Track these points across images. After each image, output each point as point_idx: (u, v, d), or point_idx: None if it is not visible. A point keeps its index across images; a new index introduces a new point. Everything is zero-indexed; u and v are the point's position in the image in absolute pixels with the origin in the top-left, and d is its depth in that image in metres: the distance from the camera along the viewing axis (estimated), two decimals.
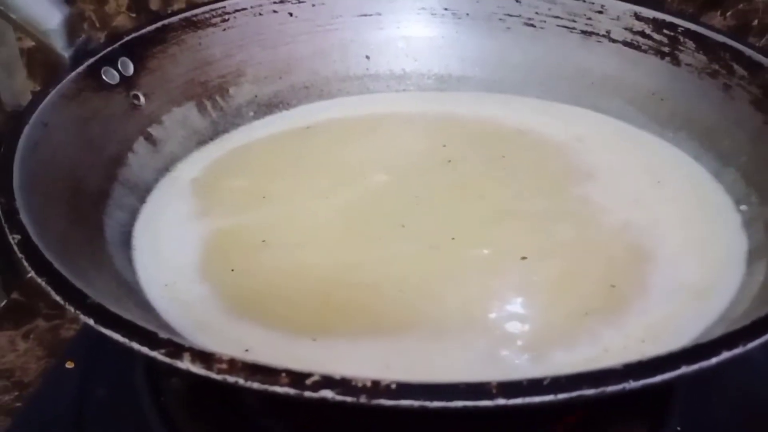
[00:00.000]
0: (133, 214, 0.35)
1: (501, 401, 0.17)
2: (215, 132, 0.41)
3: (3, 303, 0.46)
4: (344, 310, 0.29)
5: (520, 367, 0.26)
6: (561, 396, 0.17)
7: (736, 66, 0.38)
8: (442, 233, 0.33)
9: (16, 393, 0.38)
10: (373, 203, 0.36)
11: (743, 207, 0.35)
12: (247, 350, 0.26)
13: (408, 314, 0.29)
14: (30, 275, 0.46)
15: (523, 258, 0.32)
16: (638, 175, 0.38)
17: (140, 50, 0.39)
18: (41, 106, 0.33)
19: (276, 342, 0.27)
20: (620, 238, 0.33)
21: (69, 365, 0.35)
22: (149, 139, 0.38)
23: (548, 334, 0.28)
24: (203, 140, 0.41)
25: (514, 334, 0.28)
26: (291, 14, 0.44)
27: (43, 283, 0.22)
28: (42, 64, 0.56)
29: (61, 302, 0.22)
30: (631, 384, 0.18)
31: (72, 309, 0.21)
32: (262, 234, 0.34)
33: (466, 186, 0.37)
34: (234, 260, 0.32)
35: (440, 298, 0.30)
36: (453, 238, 0.33)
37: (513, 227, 0.34)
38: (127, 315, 0.22)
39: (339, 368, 0.19)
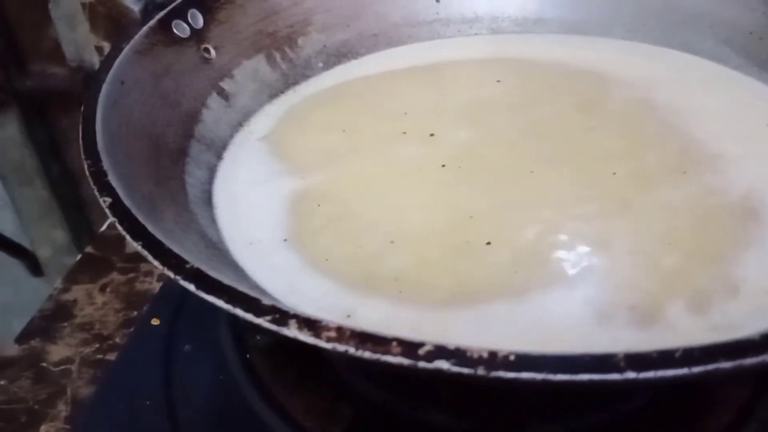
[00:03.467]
0: (212, 172, 0.34)
1: (630, 375, 0.16)
2: (286, 84, 0.40)
3: (78, 257, 0.47)
4: (445, 271, 0.28)
5: (625, 336, 0.25)
6: (695, 370, 0.16)
7: None
8: (532, 186, 0.32)
9: (97, 345, 0.39)
10: (457, 155, 0.34)
11: None
12: (349, 316, 0.25)
13: (512, 273, 0.28)
14: (103, 230, 0.48)
15: (630, 211, 0.30)
16: (738, 123, 0.35)
17: (209, 2, 0.38)
18: (117, 63, 0.32)
19: (375, 306, 0.26)
20: (723, 196, 0.31)
21: (155, 322, 0.35)
22: (221, 93, 0.38)
23: (661, 295, 0.26)
24: (275, 93, 0.40)
25: (615, 298, 0.27)
26: None
27: (140, 248, 0.22)
28: (104, 17, 0.56)
29: (160, 268, 0.21)
30: None
31: (171, 275, 0.21)
32: (343, 190, 0.33)
33: (552, 136, 0.35)
34: (316, 218, 0.31)
35: (543, 255, 0.28)
36: (525, 191, 0.31)
37: (604, 186, 0.32)
38: (223, 278, 0.21)
39: (450, 337, 0.18)
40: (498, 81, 0.40)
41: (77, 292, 0.44)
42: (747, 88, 0.37)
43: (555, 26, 0.43)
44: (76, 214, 0.77)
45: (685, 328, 0.25)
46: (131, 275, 0.45)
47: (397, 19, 0.43)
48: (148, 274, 0.44)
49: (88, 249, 0.47)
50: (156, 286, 0.43)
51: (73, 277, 0.45)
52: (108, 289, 0.44)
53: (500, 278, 0.27)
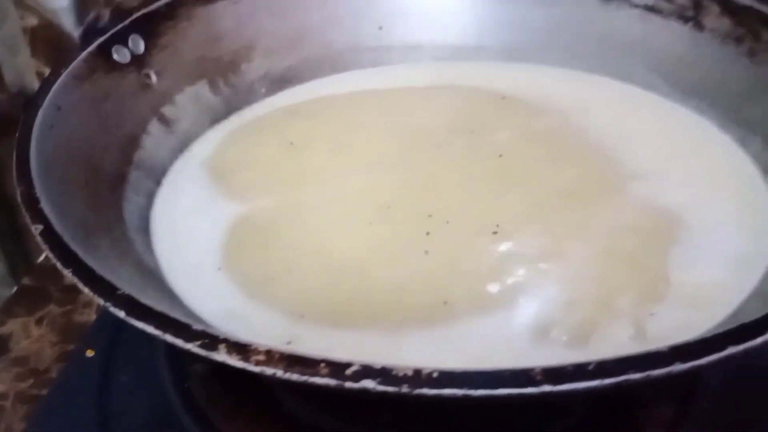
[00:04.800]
0: (150, 198, 0.34)
1: (547, 388, 0.17)
2: (228, 109, 0.41)
3: (14, 289, 0.46)
4: (376, 298, 0.28)
5: (560, 353, 0.26)
6: (607, 381, 0.17)
7: (762, 31, 0.37)
8: (457, 211, 0.33)
9: (32, 380, 0.38)
10: (393, 183, 0.35)
11: None
12: (289, 342, 0.26)
13: (441, 298, 0.28)
14: (41, 260, 0.47)
15: (551, 235, 0.31)
16: (664, 146, 0.37)
17: (150, 27, 0.38)
18: (54, 89, 0.32)
19: (315, 332, 0.27)
20: (650, 209, 0.32)
21: (89, 353, 0.35)
22: (162, 119, 0.38)
23: (586, 315, 0.27)
24: (216, 118, 0.40)
25: (551, 317, 0.28)
26: None
27: (70, 275, 0.22)
28: (46, 42, 0.55)
29: (90, 294, 0.21)
30: (678, 367, 0.18)
31: (102, 301, 0.21)
32: (280, 217, 0.33)
33: (485, 160, 0.36)
34: (254, 244, 0.32)
35: (465, 281, 0.29)
36: (463, 213, 0.32)
37: (534, 209, 0.33)
38: (155, 305, 0.21)
39: (378, 358, 0.18)
40: (437, 107, 0.41)
41: (13, 325, 0.42)
42: (671, 112, 0.39)
43: (494, 54, 0.44)
44: (13, 244, 0.74)
45: (619, 344, 0.26)
46: (69, 307, 0.43)
47: (341, 46, 0.44)
48: (87, 305, 0.43)
49: (25, 280, 0.46)
50: (94, 319, 0.42)
51: (8, 310, 0.43)
52: (45, 322, 0.43)
53: (436, 304, 0.28)
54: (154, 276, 0.29)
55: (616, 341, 0.26)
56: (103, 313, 0.39)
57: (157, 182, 0.35)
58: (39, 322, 0.43)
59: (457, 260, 0.30)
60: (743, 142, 0.36)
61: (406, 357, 0.26)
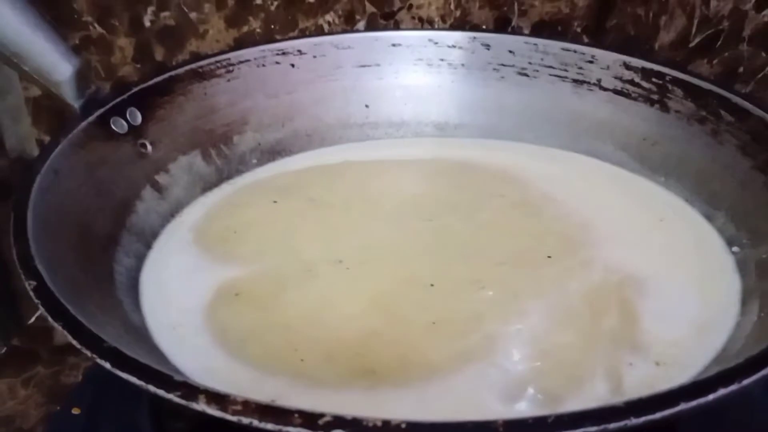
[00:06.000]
0: (140, 260, 0.36)
1: None
2: (219, 178, 0.42)
3: (3, 350, 0.46)
4: (356, 359, 0.29)
5: (530, 408, 0.26)
6: None
7: (723, 112, 0.40)
8: (437, 274, 0.34)
9: None
10: (377, 251, 0.36)
11: (735, 249, 0.36)
12: (273, 401, 0.26)
13: (417, 356, 0.29)
14: (31, 322, 0.48)
15: (526, 295, 0.32)
16: (632, 217, 0.39)
17: (148, 100, 0.40)
18: (53, 155, 0.34)
19: (297, 392, 0.27)
20: (617, 273, 0.34)
21: (75, 411, 0.35)
22: (155, 186, 0.39)
23: (554, 375, 0.28)
24: (207, 186, 0.42)
25: (522, 377, 0.29)
26: (293, 65, 0.45)
27: (60, 328, 0.23)
28: (48, 111, 0.57)
29: (78, 346, 0.22)
30: (633, 421, 0.19)
31: (88, 353, 0.22)
32: (264, 281, 0.34)
33: (462, 228, 0.38)
34: (238, 308, 0.33)
35: (442, 340, 0.30)
36: (442, 276, 0.34)
37: (509, 274, 0.34)
38: (139, 358, 0.22)
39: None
40: (418, 179, 0.43)
41: (0, 385, 0.43)
42: (639, 187, 0.41)
43: (473, 131, 0.46)
44: (5, 307, 0.75)
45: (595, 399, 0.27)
46: (56, 368, 0.44)
47: (330, 121, 0.47)
48: (74, 367, 0.44)
49: (15, 341, 0.46)
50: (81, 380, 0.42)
51: None
52: (32, 383, 0.43)
53: (412, 362, 0.29)
54: (140, 333, 0.30)
55: (592, 397, 0.27)
56: (90, 373, 0.39)
57: (147, 245, 0.37)
58: (26, 383, 0.43)
59: (435, 320, 0.31)
60: (708, 216, 0.38)
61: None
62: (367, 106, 0.47)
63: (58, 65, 0.37)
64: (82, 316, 0.24)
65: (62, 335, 0.46)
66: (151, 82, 0.40)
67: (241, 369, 0.29)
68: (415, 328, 0.31)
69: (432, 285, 0.34)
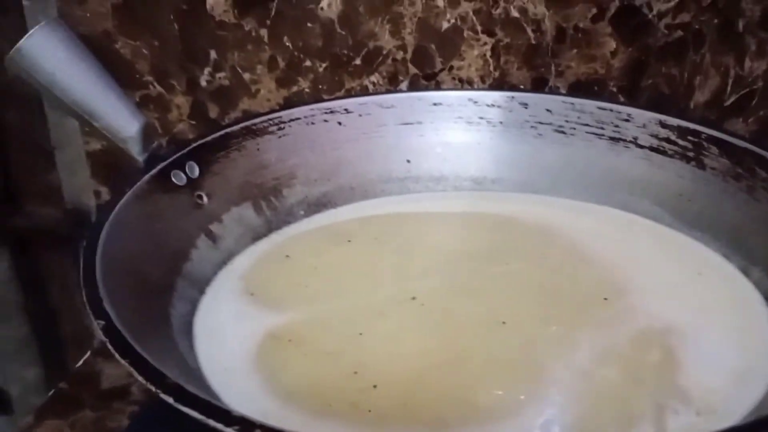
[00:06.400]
0: (194, 305, 0.37)
1: None
2: (269, 229, 0.44)
3: (50, 393, 0.48)
4: (410, 411, 0.30)
5: None
6: None
7: (758, 169, 0.40)
8: (472, 337, 0.35)
9: None
10: (422, 302, 0.38)
11: None
12: None
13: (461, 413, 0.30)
14: (78, 366, 0.50)
15: (566, 364, 0.33)
16: (670, 271, 0.39)
17: (205, 155, 0.42)
18: (119, 206, 0.36)
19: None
20: (657, 323, 0.35)
21: None
22: (210, 235, 0.41)
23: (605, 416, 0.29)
24: (257, 236, 0.44)
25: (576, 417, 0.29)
26: (340, 123, 0.48)
27: (127, 365, 0.25)
28: (106, 165, 0.61)
29: (143, 382, 0.24)
30: None
31: (153, 388, 0.24)
32: (313, 330, 0.36)
33: (503, 288, 0.39)
34: (287, 354, 0.34)
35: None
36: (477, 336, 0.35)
37: (553, 332, 0.35)
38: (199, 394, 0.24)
39: None
40: (460, 232, 0.45)
41: (46, 428, 0.44)
42: (676, 242, 0.42)
43: (510, 185, 0.48)
44: (53, 352, 0.77)
45: None
46: (102, 413, 0.45)
47: (372, 176, 0.49)
48: (119, 411, 0.45)
49: (62, 385, 0.48)
50: (126, 425, 0.44)
51: (43, 414, 0.45)
52: (77, 427, 0.44)
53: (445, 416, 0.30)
54: (195, 375, 0.31)
55: None
56: (135, 418, 0.41)
57: (201, 291, 0.39)
58: (72, 426, 0.44)
59: (471, 375, 0.32)
60: (745, 270, 0.39)
61: None
62: (408, 161, 0.49)
63: (126, 123, 0.40)
64: (145, 354, 0.26)
65: (108, 380, 0.48)
66: (208, 138, 0.43)
67: (295, 415, 0.30)
68: (449, 380, 0.32)
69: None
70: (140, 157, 0.40)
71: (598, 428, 0.29)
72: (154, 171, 0.39)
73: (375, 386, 0.31)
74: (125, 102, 0.40)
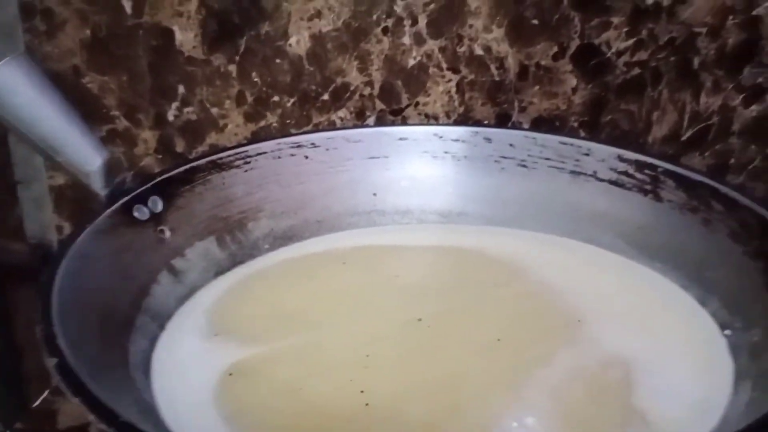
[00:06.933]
0: (153, 341, 0.37)
1: None
2: (233, 262, 0.44)
3: None
4: None
5: None
6: None
7: (713, 202, 0.41)
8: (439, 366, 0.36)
9: None
10: (386, 334, 0.38)
11: (727, 332, 0.37)
12: None
13: None
14: (35, 405, 0.48)
15: (521, 395, 0.33)
16: (630, 303, 0.40)
17: (169, 189, 0.42)
18: (78, 240, 0.36)
19: None
20: (614, 354, 0.35)
21: None
22: (172, 270, 0.41)
23: None
24: (221, 270, 0.44)
25: None
26: (306, 157, 0.48)
27: (79, 403, 0.24)
28: (70, 200, 0.60)
29: (96, 420, 0.23)
30: None
31: (105, 426, 0.23)
32: (275, 365, 0.35)
33: (464, 314, 0.39)
34: (247, 390, 0.34)
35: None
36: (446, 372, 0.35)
37: (509, 362, 0.35)
38: None
39: None
40: (424, 264, 0.45)
41: None
42: (636, 274, 0.43)
43: (475, 218, 0.48)
44: (11, 390, 0.75)
45: None
46: None
47: (339, 209, 0.49)
48: None
49: (18, 425, 0.47)
50: None
51: None
52: None
53: None
54: (151, 412, 0.31)
55: None
56: None
57: (161, 326, 0.38)
58: None
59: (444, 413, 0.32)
60: (703, 301, 0.40)
61: None
62: (374, 194, 0.49)
63: (88, 157, 0.40)
64: (98, 392, 0.26)
65: (66, 419, 0.47)
66: (173, 172, 0.43)
67: None
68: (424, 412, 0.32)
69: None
70: (102, 192, 0.40)
71: None
72: (115, 205, 0.39)
73: (335, 424, 0.31)
74: (88, 137, 0.40)
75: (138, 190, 0.40)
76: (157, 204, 0.41)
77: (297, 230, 0.47)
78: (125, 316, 0.36)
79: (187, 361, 0.36)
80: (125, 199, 0.40)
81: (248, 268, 0.44)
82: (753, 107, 0.56)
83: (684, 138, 0.57)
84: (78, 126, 0.40)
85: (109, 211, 0.39)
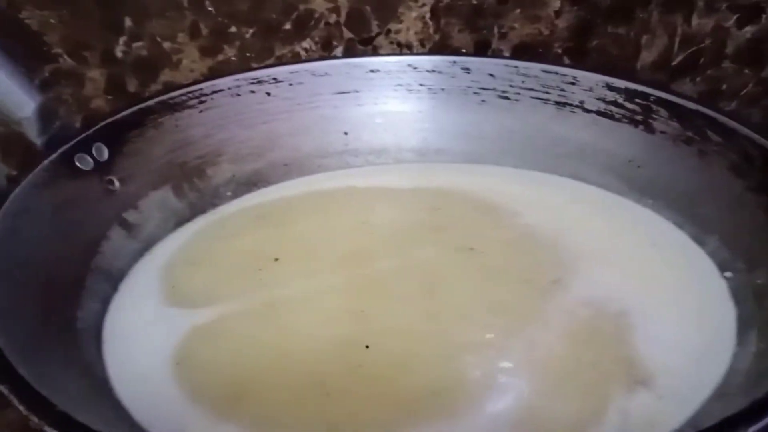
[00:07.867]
0: (105, 304, 0.34)
1: None
2: (193, 213, 0.41)
3: None
4: (330, 412, 0.28)
5: None
6: None
7: (710, 132, 0.38)
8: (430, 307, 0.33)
9: None
10: (357, 284, 0.35)
11: (728, 274, 0.34)
12: None
13: (398, 399, 0.28)
14: None
15: (508, 345, 0.31)
16: (621, 242, 0.37)
17: (115, 135, 0.38)
18: (12, 196, 0.32)
19: None
20: (608, 309, 0.33)
21: None
22: (124, 224, 0.38)
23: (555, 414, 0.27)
24: (180, 221, 0.40)
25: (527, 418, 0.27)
26: (269, 93, 0.44)
27: (5, 391, 0.21)
28: (17, 147, 0.56)
29: (25, 412, 0.20)
30: None
31: (36, 419, 0.20)
32: (241, 325, 0.32)
33: (447, 257, 0.37)
34: (207, 355, 0.31)
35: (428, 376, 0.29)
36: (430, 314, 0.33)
37: (497, 312, 0.33)
38: (96, 420, 0.20)
39: None
40: (401, 206, 0.42)
41: None
42: (627, 211, 0.40)
43: (454, 156, 0.45)
44: None
45: None
46: None
47: (307, 150, 0.45)
48: None
49: None
50: None
51: None
52: None
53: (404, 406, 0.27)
54: (101, 386, 0.28)
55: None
56: None
57: (115, 287, 0.35)
58: None
59: (422, 365, 0.30)
60: (700, 240, 0.37)
61: None
62: (346, 133, 0.46)
63: (20, 102, 0.35)
64: (35, 373, 0.23)
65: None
66: (118, 116, 0.39)
67: (213, 424, 0.27)
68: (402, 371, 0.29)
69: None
70: (38, 140, 0.36)
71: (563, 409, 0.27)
72: (53, 156, 0.35)
73: (306, 392, 0.29)
74: (19, 79, 0.36)
75: (78, 138, 0.36)
76: (102, 152, 0.37)
77: (262, 175, 0.44)
78: (73, 277, 0.33)
79: (143, 325, 0.33)
80: (64, 147, 0.36)
81: (209, 218, 0.41)
82: (747, 28, 0.52)
83: (675, 63, 0.53)
84: (7, 68, 0.36)
85: (46, 162, 0.35)
